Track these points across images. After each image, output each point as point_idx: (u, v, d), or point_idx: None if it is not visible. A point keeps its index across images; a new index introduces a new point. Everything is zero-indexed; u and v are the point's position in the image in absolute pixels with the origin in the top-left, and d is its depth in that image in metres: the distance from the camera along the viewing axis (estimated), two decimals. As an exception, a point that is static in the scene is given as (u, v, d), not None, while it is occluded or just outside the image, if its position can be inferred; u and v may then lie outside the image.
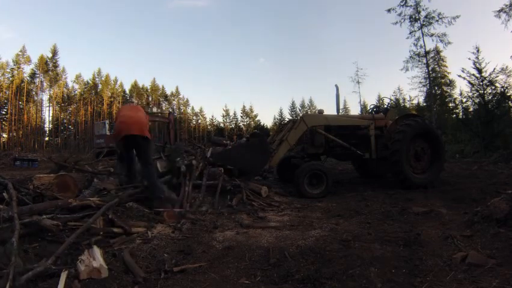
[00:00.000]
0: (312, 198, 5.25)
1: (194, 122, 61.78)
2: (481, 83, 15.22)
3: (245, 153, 5.25)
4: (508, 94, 14.92)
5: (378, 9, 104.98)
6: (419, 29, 25.88)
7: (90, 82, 52.54)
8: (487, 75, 15.24)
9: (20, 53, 44.86)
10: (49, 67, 46.60)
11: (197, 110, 62.34)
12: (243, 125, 60.85)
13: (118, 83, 54.81)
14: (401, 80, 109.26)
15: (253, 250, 2.70)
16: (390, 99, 10.77)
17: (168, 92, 59.73)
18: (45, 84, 46.66)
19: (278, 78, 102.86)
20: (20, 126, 44.01)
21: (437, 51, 29.92)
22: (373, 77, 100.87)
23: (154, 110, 51.50)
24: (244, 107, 61.23)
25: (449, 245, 2.67)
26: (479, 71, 15.43)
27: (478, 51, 16.01)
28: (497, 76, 15.42)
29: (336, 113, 7.15)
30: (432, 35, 25.56)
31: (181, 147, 6.29)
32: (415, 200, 4.74)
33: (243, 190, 4.86)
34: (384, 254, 2.53)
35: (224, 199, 4.71)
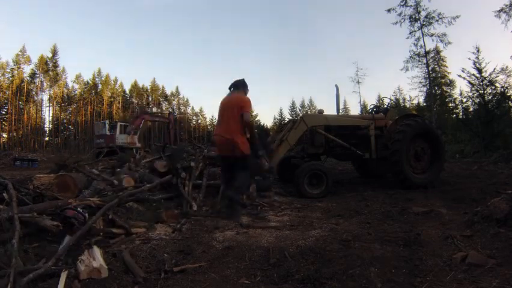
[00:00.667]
0: (312, 198, 5.26)
1: (194, 122, 61.73)
2: (481, 83, 15.22)
3: None
4: (508, 94, 14.92)
5: (378, 9, 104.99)
6: (419, 29, 25.92)
7: (90, 82, 52.56)
8: (487, 75, 15.25)
9: (20, 53, 44.98)
10: (49, 67, 46.61)
11: (197, 110, 62.37)
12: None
13: (118, 83, 54.93)
14: (401, 80, 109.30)
15: (253, 250, 2.70)
16: (390, 99, 10.77)
17: (168, 92, 59.76)
18: (45, 84, 46.68)
19: (278, 78, 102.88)
20: (20, 126, 44.01)
21: (437, 51, 29.95)
22: (373, 77, 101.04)
23: (154, 110, 51.60)
24: (244, 107, 61.15)
25: (449, 245, 2.67)
26: (479, 71, 15.44)
27: (478, 51, 16.04)
28: (497, 76, 15.44)
29: (336, 113, 7.13)
30: (432, 35, 25.61)
31: (184, 148, 6.31)
32: (415, 200, 4.74)
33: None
34: (384, 254, 2.53)
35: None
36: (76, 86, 51.29)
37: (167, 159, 5.66)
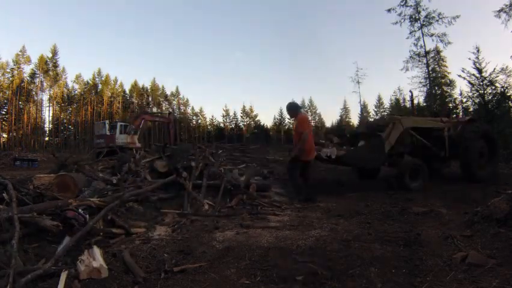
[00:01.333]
0: (410, 190, 5.54)
1: (194, 122, 61.71)
2: (481, 83, 15.20)
3: (366, 153, 5.68)
4: (508, 94, 14.89)
5: (378, 9, 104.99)
6: (419, 29, 25.95)
7: (90, 82, 52.55)
8: (487, 75, 15.22)
9: (20, 53, 44.96)
10: (49, 67, 46.61)
11: (197, 110, 62.33)
12: (243, 125, 60.79)
13: (118, 83, 54.90)
14: (401, 80, 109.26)
15: (253, 250, 2.70)
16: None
17: (168, 92, 59.76)
18: (45, 84, 46.68)
19: (278, 78, 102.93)
20: (20, 126, 44.01)
21: (437, 51, 29.91)
22: (373, 77, 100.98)
23: (154, 110, 51.63)
24: (244, 107, 61.22)
25: (449, 245, 2.67)
26: (479, 71, 15.42)
27: (478, 51, 16.02)
28: (497, 76, 15.39)
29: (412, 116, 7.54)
30: (432, 35, 25.64)
31: (188, 149, 6.33)
32: (415, 200, 4.74)
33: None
34: (384, 254, 2.53)
35: (224, 199, 4.72)
36: (76, 86, 51.38)
37: (168, 159, 5.67)
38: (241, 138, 49.53)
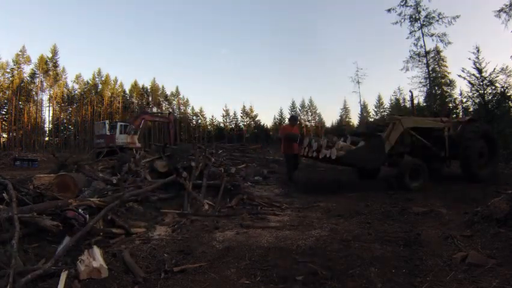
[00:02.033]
0: (410, 190, 5.56)
1: (194, 122, 61.68)
2: (481, 83, 15.18)
3: (366, 153, 5.65)
4: (508, 94, 14.86)
5: (378, 9, 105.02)
6: (419, 29, 25.93)
7: (90, 82, 52.53)
8: (487, 75, 15.19)
9: (20, 53, 44.91)
10: (49, 67, 46.59)
11: (197, 110, 62.30)
12: (243, 125, 60.78)
13: (118, 83, 54.84)
14: (401, 80, 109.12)
15: (253, 250, 2.70)
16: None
17: (168, 92, 59.73)
18: (45, 84, 46.66)
19: (278, 78, 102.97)
20: (20, 126, 44.01)
21: (437, 51, 29.87)
22: (373, 77, 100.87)
23: (154, 110, 51.63)
24: (244, 107, 61.19)
25: (449, 245, 2.67)
26: (479, 71, 15.40)
27: (478, 51, 15.98)
28: (497, 76, 15.35)
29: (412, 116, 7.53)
30: (432, 35, 25.61)
31: (189, 149, 6.33)
32: (415, 200, 4.74)
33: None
34: (384, 254, 2.53)
35: (224, 199, 4.72)
36: (76, 86, 51.35)
37: (168, 159, 5.67)
38: (241, 138, 49.51)
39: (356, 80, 43.21)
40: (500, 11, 19.13)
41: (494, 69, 15.43)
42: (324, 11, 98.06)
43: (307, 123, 59.62)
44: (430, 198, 4.89)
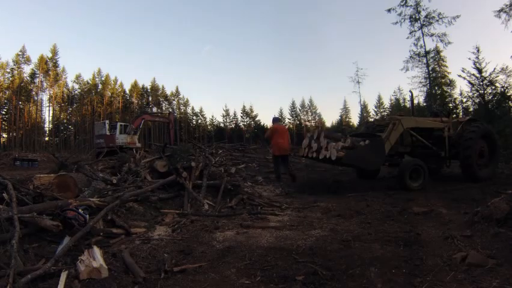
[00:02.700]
0: (412, 190, 5.59)
1: (194, 122, 61.64)
2: (481, 83, 15.20)
3: (366, 154, 5.65)
4: (508, 94, 14.89)
5: (379, 9, 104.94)
6: (419, 29, 25.93)
7: (90, 82, 52.51)
8: (487, 75, 15.22)
9: (20, 53, 44.87)
10: (49, 67, 46.57)
11: (197, 110, 62.26)
12: (243, 125, 60.74)
13: (118, 83, 54.78)
14: (401, 80, 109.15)
15: (253, 250, 2.70)
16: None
17: (168, 92, 59.69)
18: (45, 84, 46.65)
19: (279, 78, 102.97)
20: (20, 126, 44.01)
21: (437, 51, 29.85)
22: (373, 77, 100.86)
23: (154, 110, 51.63)
24: (244, 107, 61.16)
25: (449, 245, 2.67)
26: (479, 71, 15.41)
27: (478, 51, 16.01)
28: (497, 76, 15.38)
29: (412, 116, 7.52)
30: (432, 35, 25.62)
31: (189, 149, 6.33)
32: (415, 200, 4.74)
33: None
34: (384, 254, 2.53)
35: (224, 199, 4.72)
36: (76, 86, 51.32)
37: (168, 159, 5.66)
38: (241, 138, 49.49)
39: (356, 80, 43.19)
40: (500, 11, 19.13)
41: (494, 69, 15.47)
42: (324, 10, 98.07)
43: (307, 123, 59.60)
44: (430, 198, 4.89)
